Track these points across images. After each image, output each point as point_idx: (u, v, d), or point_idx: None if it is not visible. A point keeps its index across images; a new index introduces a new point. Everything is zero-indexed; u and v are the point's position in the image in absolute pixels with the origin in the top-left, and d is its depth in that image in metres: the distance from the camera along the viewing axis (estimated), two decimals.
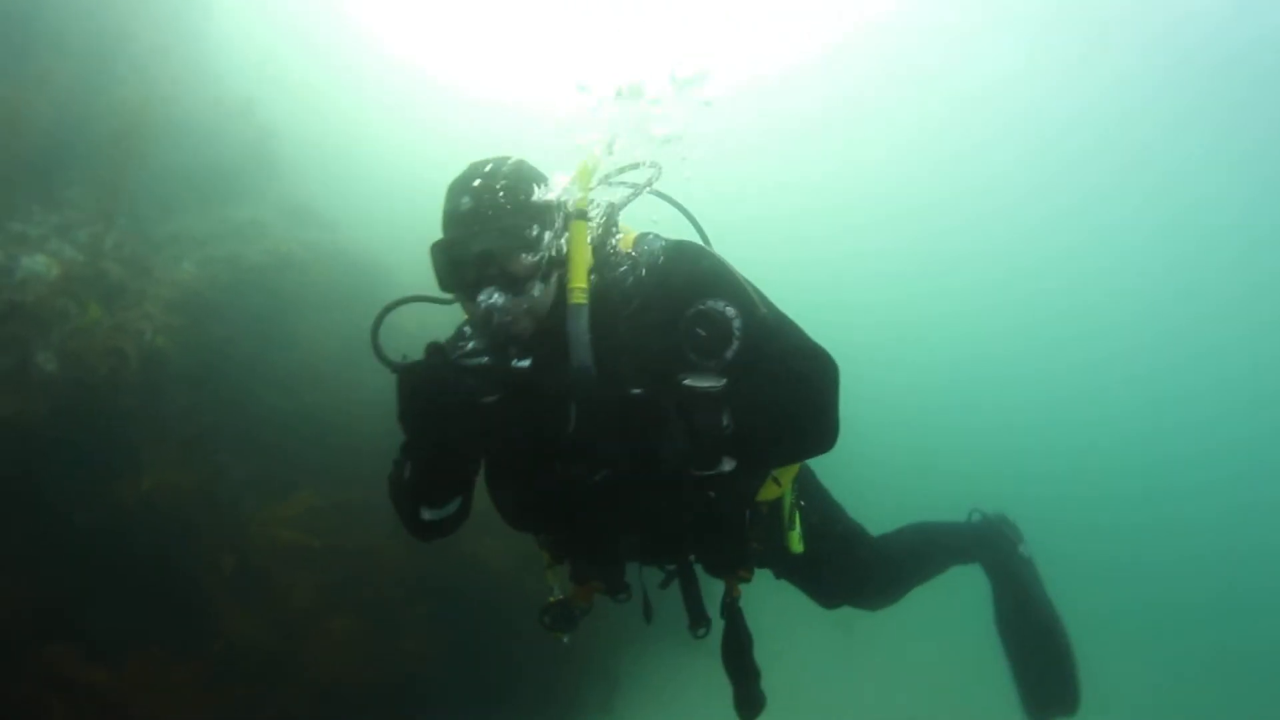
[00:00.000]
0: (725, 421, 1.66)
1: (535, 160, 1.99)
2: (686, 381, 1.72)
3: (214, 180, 6.73)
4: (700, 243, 2.17)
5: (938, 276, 27.26)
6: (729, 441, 1.67)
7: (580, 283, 1.84)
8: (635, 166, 2.14)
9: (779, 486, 2.31)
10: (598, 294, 1.88)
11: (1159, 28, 15.15)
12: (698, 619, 2.32)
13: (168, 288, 5.31)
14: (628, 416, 1.72)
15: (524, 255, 1.81)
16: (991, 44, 16.84)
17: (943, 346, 28.00)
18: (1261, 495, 23.01)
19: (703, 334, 1.80)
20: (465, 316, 2.11)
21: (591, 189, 1.99)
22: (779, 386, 1.80)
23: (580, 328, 1.80)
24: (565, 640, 2.36)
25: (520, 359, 1.86)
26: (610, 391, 1.77)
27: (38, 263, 4.98)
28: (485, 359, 1.86)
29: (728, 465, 1.70)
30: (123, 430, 4.86)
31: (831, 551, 2.63)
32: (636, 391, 1.75)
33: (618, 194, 2.12)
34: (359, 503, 5.25)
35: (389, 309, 2.02)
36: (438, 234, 1.85)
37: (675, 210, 2.25)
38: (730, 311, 1.81)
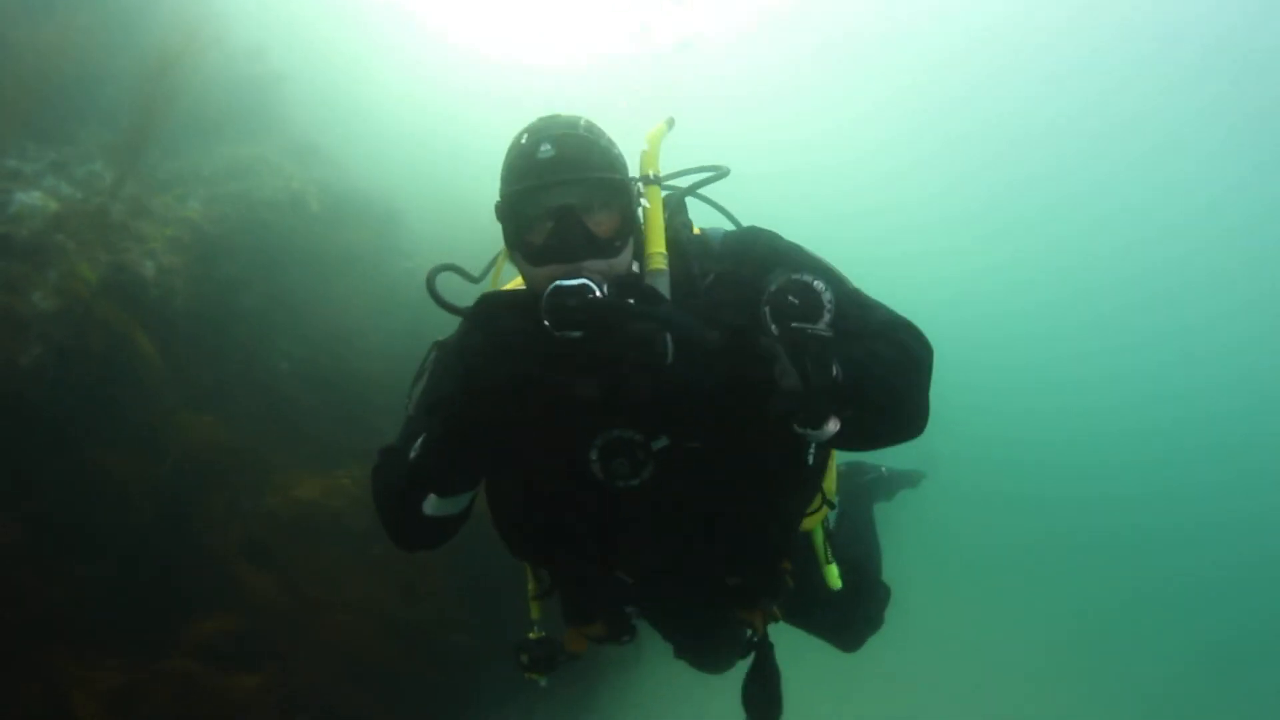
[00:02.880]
0: (835, 371, 1.43)
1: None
2: (794, 324, 1.55)
3: (220, 121, 6.39)
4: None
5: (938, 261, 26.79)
6: (840, 393, 1.43)
7: (659, 247, 1.74)
8: (707, 170, 2.02)
9: (823, 508, 2.16)
10: (673, 267, 1.74)
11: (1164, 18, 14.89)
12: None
13: (173, 225, 4.98)
14: (730, 353, 1.42)
15: (614, 213, 1.66)
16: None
17: (944, 330, 27.52)
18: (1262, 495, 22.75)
19: (796, 301, 1.62)
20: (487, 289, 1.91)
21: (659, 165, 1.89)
22: (886, 349, 1.62)
23: (663, 291, 1.66)
24: (542, 683, 2.13)
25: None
26: (703, 331, 1.49)
27: (34, 198, 4.67)
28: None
29: (833, 426, 1.43)
30: (126, 376, 4.56)
31: (858, 585, 2.48)
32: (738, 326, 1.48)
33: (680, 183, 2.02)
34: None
35: (439, 270, 1.87)
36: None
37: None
38: (819, 285, 1.63)
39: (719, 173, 1.99)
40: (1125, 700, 11.02)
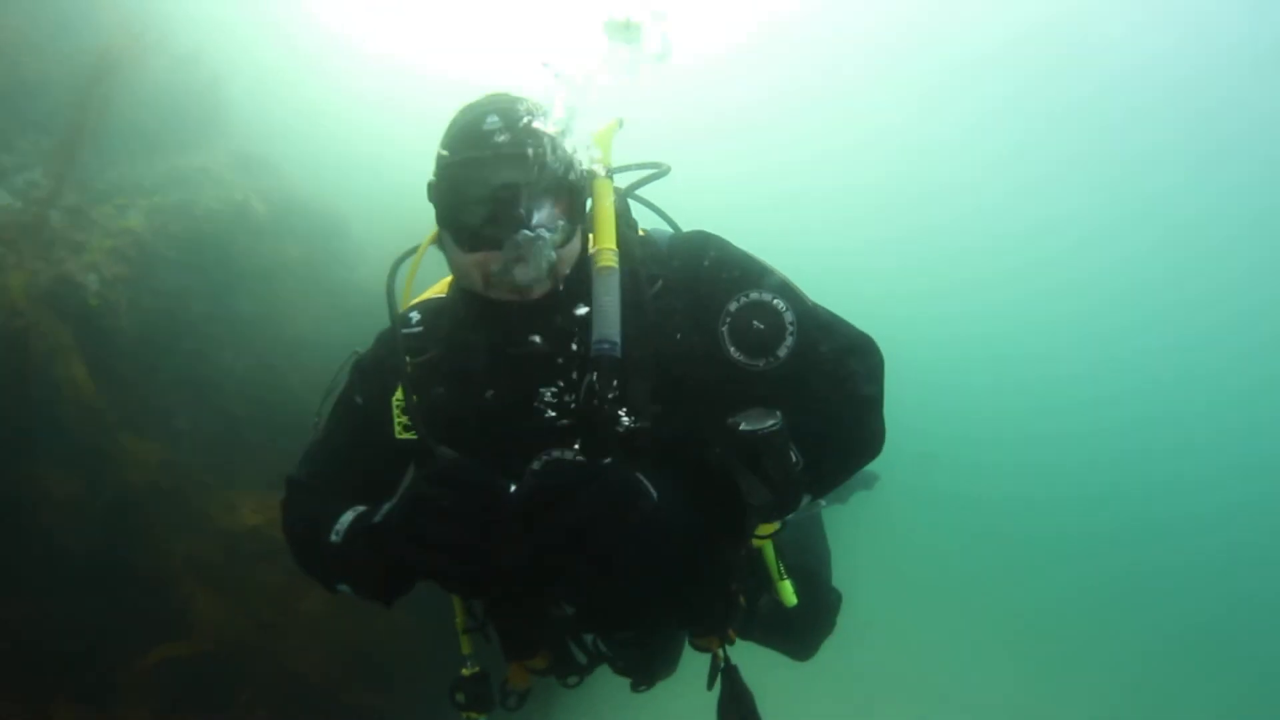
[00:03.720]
0: (795, 458, 1.41)
1: None
2: (742, 427, 1.39)
3: (160, 130, 6.25)
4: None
5: (931, 269, 27.36)
6: (804, 480, 1.43)
7: (609, 243, 1.59)
8: (648, 167, 1.88)
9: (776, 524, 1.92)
10: (623, 272, 1.60)
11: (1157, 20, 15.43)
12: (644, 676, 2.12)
13: (114, 237, 4.87)
14: (688, 478, 1.35)
15: (561, 198, 1.52)
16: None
17: (936, 341, 28.22)
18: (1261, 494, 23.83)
19: (760, 327, 1.55)
20: (411, 300, 1.82)
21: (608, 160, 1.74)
22: (837, 400, 1.59)
23: (610, 297, 1.54)
24: None
25: (519, 334, 1.57)
26: (647, 438, 1.53)
27: None
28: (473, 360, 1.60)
29: (806, 502, 1.48)
30: (66, 393, 4.44)
31: (811, 595, 2.38)
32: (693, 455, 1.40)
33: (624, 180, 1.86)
34: None
35: (392, 276, 1.77)
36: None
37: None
38: (780, 304, 1.57)
39: (661, 170, 1.86)
40: (1087, 696, 11.37)
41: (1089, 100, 19.14)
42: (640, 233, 1.79)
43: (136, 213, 5.24)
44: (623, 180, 1.84)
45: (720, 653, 2.04)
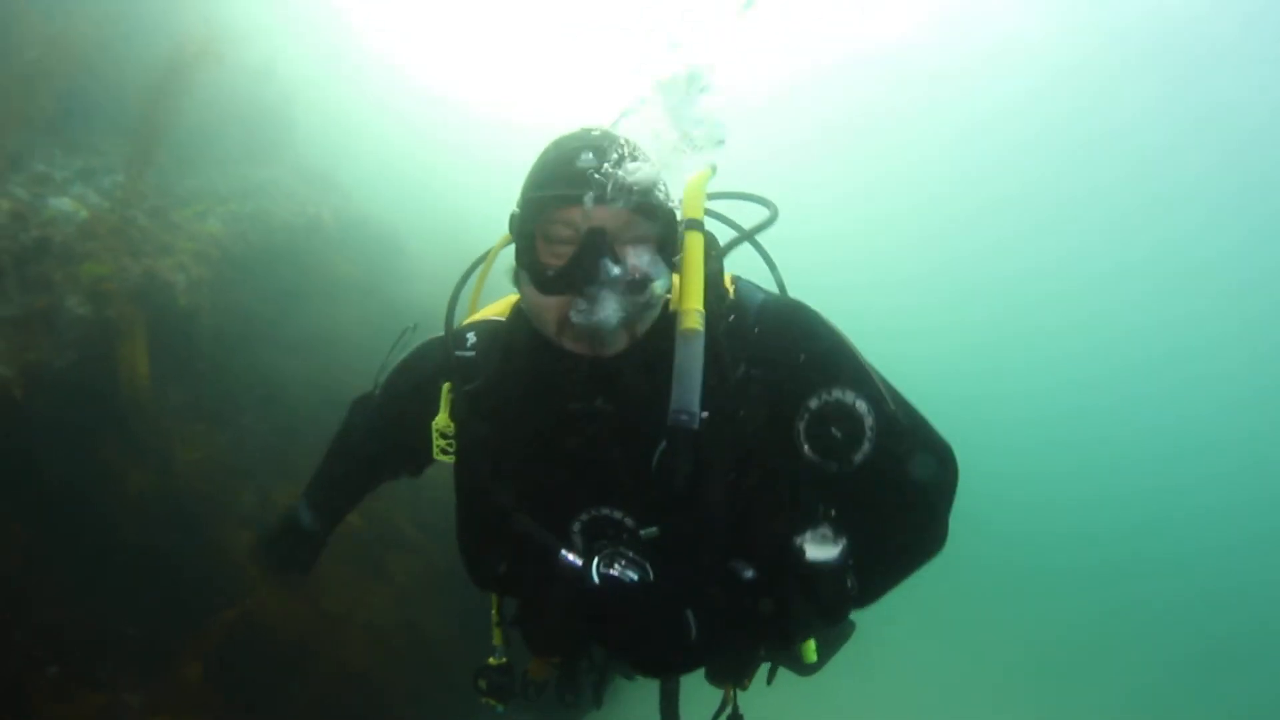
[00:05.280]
0: (850, 585, 1.45)
1: None
2: (808, 555, 1.40)
3: (231, 141, 6.48)
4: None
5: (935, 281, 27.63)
6: (855, 601, 1.50)
7: (697, 303, 1.43)
8: (751, 198, 1.77)
9: None
10: (709, 341, 1.47)
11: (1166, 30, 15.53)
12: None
13: (197, 240, 5.07)
14: (740, 606, 1.47)
15: (652, 248, 1.43)
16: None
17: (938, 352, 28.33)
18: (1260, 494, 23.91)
19: (837, 434, 1.48)
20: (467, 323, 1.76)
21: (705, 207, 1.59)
22: (901, 518, 1.58)
23: (694, 363, 1.40)
24: (500, 710, 2.00)
25: (593, 399, 1.51)
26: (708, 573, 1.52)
27: (64, 204, 4.72)
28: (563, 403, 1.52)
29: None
30: (144, 382, 4.60)
31: (831, 644, 2.25)
32: (748, 575, 1.48)
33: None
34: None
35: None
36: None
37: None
38: (861, 407, 1.48)
39: (762, 223, 1.69)
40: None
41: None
42: (729, 288, 1.64)
43: (215, 219, 5.45)
44: (722, 231, 1.69)
45: (732, 695, 2.02)
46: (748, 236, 1.69)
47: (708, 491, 1.49)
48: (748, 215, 1.76)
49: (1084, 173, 21.32)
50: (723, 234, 1.67)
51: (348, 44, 10.44)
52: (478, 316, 1.79)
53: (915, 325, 27.28)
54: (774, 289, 1.81)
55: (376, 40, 11.24)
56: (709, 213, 1.63)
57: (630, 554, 1.50)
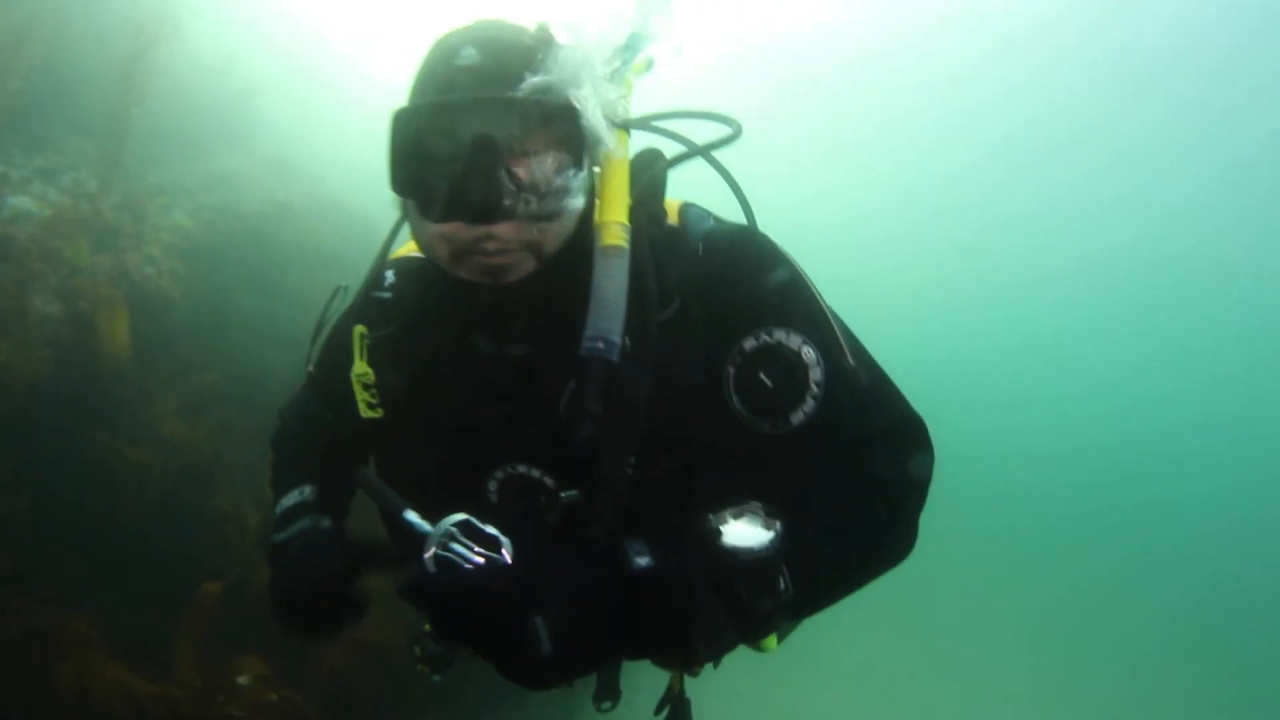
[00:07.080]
0: (783, 586, 1.08)
1: None
2: (724, 540, 1.05)
3: (195, 136, 6.40)
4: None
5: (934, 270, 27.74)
6: (787, 609, 1.10)
7: (619, 215, 1.21)
8: (709, 116, 1.44)
9: None
10: (634, 258, 1.22)
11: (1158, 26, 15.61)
12: (607, 691, 1.83)
13: (166, 232, 4.99)
14: (637, 600, 1.05)
15: (555, 155, 1.14)
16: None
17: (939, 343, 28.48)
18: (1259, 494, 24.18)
19: (768, 384, 1.20)
20: (384, 265, 1.47)
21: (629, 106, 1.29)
22: (853, 503, 1.23)
23: (615, 284, 1.17)
24: (436, 679, 1.75)
25: (502, 336, 1.28)
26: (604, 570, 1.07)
27: (25, 203, 4.63)
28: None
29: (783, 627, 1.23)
30: (134, 378, 4.53)
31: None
32: (642, 562, 1.06)
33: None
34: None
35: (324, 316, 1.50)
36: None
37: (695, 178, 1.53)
38: (809, 355, 1.21)
39: (734, 131, 1.40)
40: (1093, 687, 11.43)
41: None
42: (673, 220, 1.38)
43: (181, 211, 5.36)
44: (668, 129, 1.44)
45: (678, 683, 1.76)
46: (701, 152, 1.40)
47: (610, 444, 1.17)
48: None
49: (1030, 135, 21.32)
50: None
51: (307, 38, 10.36)
52: (402, 251, 1.52)
53: (872, 291, 27.46)
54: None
55: (335, 33, 11.11)
56: (654, 128, 1.40)
57: (488, 529, 1.06)
